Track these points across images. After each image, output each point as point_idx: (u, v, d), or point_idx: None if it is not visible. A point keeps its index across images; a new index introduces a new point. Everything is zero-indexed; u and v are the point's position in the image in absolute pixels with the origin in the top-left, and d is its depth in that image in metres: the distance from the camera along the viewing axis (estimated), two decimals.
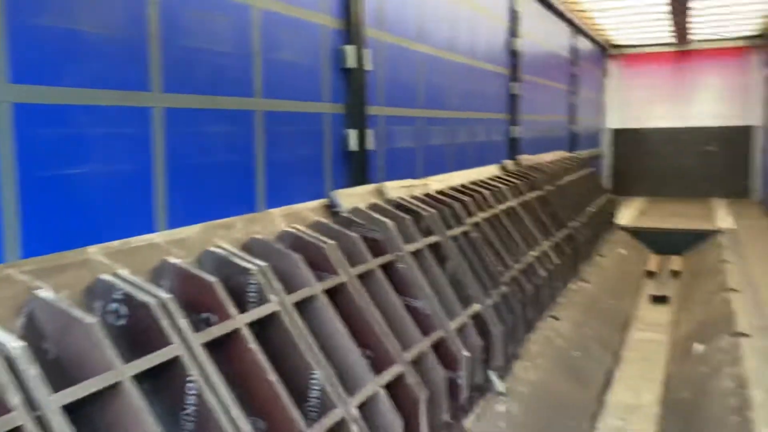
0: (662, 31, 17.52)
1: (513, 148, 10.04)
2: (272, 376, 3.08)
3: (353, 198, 5.07)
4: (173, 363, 2.74)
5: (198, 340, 2.88)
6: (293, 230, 4.20)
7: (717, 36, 18.06)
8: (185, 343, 2.81)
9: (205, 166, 3.87)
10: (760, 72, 17.80)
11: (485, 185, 7.61)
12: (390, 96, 6.00)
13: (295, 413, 3.06)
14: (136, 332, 2.78)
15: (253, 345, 3.11)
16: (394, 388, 3.85)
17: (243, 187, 4.19)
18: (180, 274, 3.18)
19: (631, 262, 11.75)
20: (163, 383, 2.75)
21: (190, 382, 2.74)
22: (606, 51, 19.40)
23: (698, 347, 7.04)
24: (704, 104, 18.82)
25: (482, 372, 5.11)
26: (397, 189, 5.73)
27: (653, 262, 12.08)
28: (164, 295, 2.87)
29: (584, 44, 16.36)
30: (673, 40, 18.31)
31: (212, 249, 3.56)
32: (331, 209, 4.91)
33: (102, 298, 2.87)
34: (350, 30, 5.16)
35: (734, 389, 5.46)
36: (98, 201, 3.32)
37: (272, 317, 3.38)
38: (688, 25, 16.42)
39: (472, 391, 4.92)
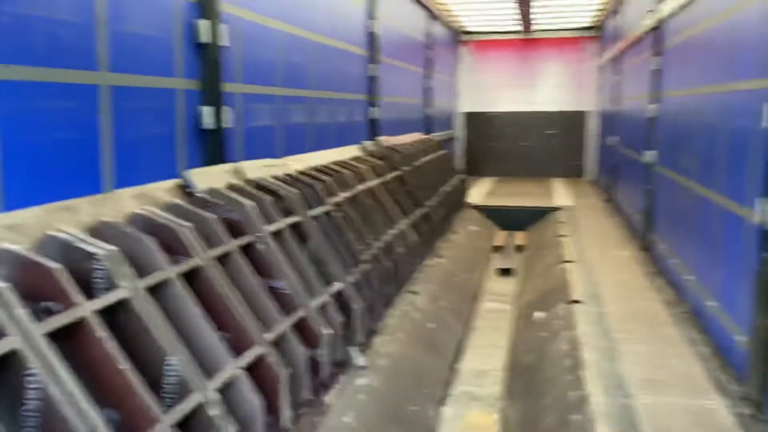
0: (509, 20, 18.65)
1: (372, 129, 10.24)
2: (124, 365, 2.95)
3: (209, 178, 4.93)
4: (11, 357, 2.54)
5: (39, 330, 2.68)
6: (145, 212, 4.01)
7: (557, 26, 19.55)
8: (24, 335, 2.61)
9: (43, 145, 3.57)
10: (593, 61, 19.54)
11: (346, 166, 7.71)
12: (248, 73, 5.86)
13: (150, 401, 2.97)
14: None
15: (101, 333, 2.95)
16: (255, 369, 3.85)
17: (87, 166, 3.92)
18: (18, 261, 2.93)
19: (481, 238, 12.52)
20: (2, 379, 2.54)
21: (30, 375, 2.56)
22: (458, 37, 20.26)
23: (539, 315, 7.70)
24: (546, 90, 20.33)
25: (343, 348, 5.24)
26: (256, 169, 5.65)
27: (500, 237, 12.97)
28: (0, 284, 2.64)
29: (439, 30, 16.96)
30: (519, 28, 19.57)
31: (54, 233, 3.30)
32: (186, 190, 4.74)
33: None
34: (204, 4, 4.96)
35: (569, 351, 6.05)
36: None
37: (123, 304, 3.22)
38: (531, 15, 17.60)
39: (333, 367, 5.03)
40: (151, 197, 4.31)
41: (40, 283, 2.90)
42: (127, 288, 3.25)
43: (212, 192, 4.73)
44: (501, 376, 6.61)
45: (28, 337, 2.62)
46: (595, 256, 9.44)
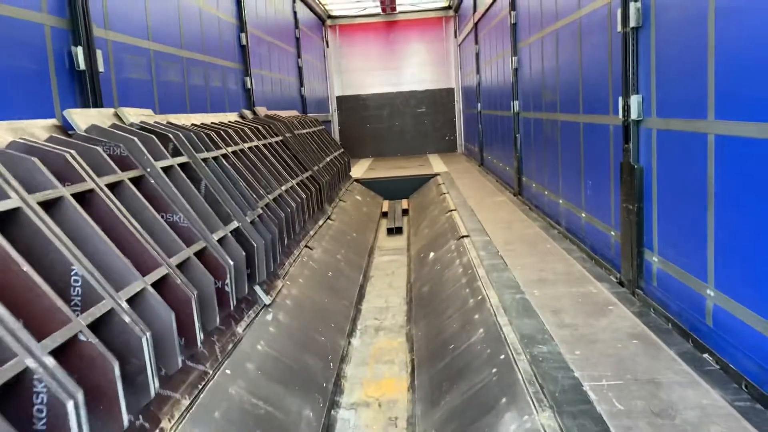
0: (372, 2, 19.14)
1: (249, 99, 10.13)
2: (26, 266, 2.80)
3: (90, 119, 4.69)
4: None
5: None
6: (25, 141, 3.78)
7: (416, 7, 20.31)
8: None
9: None
10: (453, 40, 20.51)
11: (228, 126, 7.60)
12: (119, 20, 5.63)
13: (59, 302, 2.83)
14: None
15: None
16: (163, 288, 3.76)
17: None
18: None
19: (368, 205, 12.78)
20: None
21: None
22: (325, 22, 20.44)
23: (431, 255, 8.05)
24: (413, 70, 21.05)
25: (248, 286, 5.21)
26: (137, 116, 5.45)
27: (386, 204, 13.31)
28: None
29: (305, 12, 17.03)
30: (381, 11, 20.11)
31: None
32: (66, 131, 4.50)
33: None
34: None
35: (463, 272, 6.41)
36: None
37: (16, 215, 3.04)
38: None
39: (240, 303, 4.99)
40: (27, 133, 4.06)
41: None
42: (18, 199, 3.07)
43: (94, 129, 4.52)
44: (402, 309, 6.85)
45: None
46: (476, 204, 9.99)
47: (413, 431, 4.13)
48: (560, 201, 7.58)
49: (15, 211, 3.04)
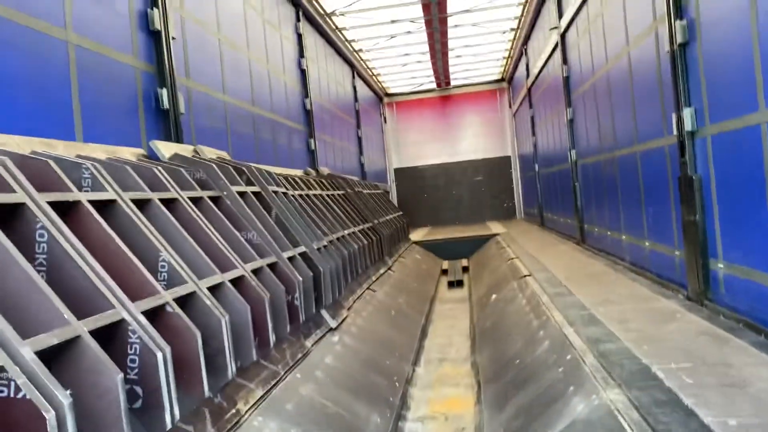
0: (427, 78, 20.01)
1: (312, 159, 10.68)
2: (123, 245, 3.11)
3: (172, 150, 5.16)
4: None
5: (43, 198, 2.85)
6: (118, 158, 4.21)
7: (471, 81, 21.06)
8: (29, 196, 2.77)
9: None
10: (508, 110, 21.02)
11: (294, 177, 8.05)
12: (197, 71, 6.23)
13: (150, 277, 3.11)
14: None
15: (99, 218, 3.12)
16: (239, 288, 4.00)
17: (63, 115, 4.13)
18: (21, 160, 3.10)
19: (427, 263, 12.90)
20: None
21: (41, 229, 2.70)
22: (382, 99, 21.41)
23: (494, 296, 8.05)
24: (468, 140, 21.55)
25: (315, 307, 5.40)
26: (213, 154, 5.92)
27: (445, 264, 13.39)
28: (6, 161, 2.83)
29: (364, 89, 17.96)
30: (435, 86, 20.95)
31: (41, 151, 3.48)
32: (150, 158, 4.95)
33: None
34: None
35: (526, 303, 6.40)
36: None
37: (113, 207, 3.40)
38: (447, 72, 18.99)
39: (307, 322, 5.17)
40: (119, 155, 4.52)
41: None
42: (113, 192, 3.43)
43: (177, 157, 4.96)
44: (466, 345, 6.84)
45: (33, 199, 2.78)
46: (536, 253, 9.97)
47: None
48: (623, 237, 7.55)
49: (112, 203, 3.40)
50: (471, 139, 21.57)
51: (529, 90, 15.44)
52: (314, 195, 7.80)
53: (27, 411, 2.00)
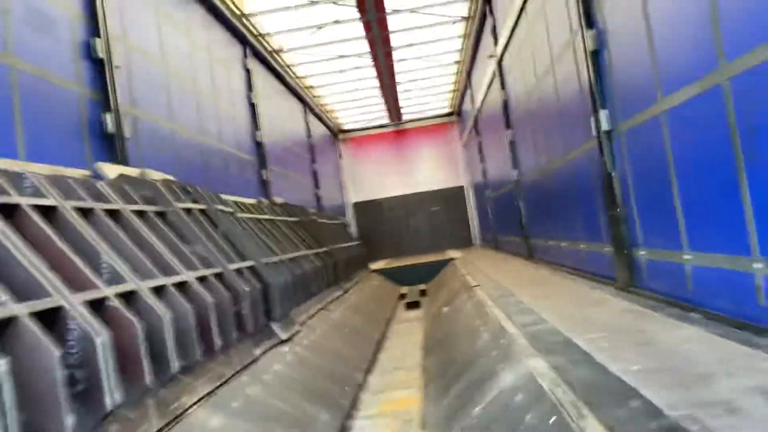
0: (380, 113, 20.53)
1: (265, 189, 10.86)
2: (63, 245, 3.25)
3: (117, 171, 5.30)
4: None
5: None
6: (63, 176, 4.35)
7: (423, 115, 21.67)
8: None
9: None
10: (458, 141, 21.63)
11: (245, 204, 8.21)
12: (143, 99, 6.42)
13: (92, 275, 3.25)
14: None
15: (40, 220, 3.26)
16: (184, 292, 4.13)
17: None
18: None
19: (386, 289, 13.08)
20: None
21: None
22: (337, 135, 21.81)
23: (445, 309, 8.26)
24: (424, 172, 22.03)
25: (265, 320, 5.52)
26: (160, 177, 6.07)
27: (404, 289, 13.59)
28: None
29: (317, 125, 18.32)
30: (389, 121, 21.49)
31: None
32: (95, 179, 5.09)
33: None
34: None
35: (473, 308, 6.64)
36: None
37: (56, 212, 3.54)
38: (398, 106, 19.55)
39: (256, 333, 5.29)
40: (63, 174, 4.65)
41: None
42: (55, 200, 3.58)
43: (122, 177, 5.11)
44: (418, 357, 7.00)
45: None
46: (488, 269, 10.27)
47: (424, 425, 4.26)
48: (562, 244, 7.90)
49: (54, 210, 3.54)
50: (427, 171, 22.07)
51: (476, 119, 16.01)
52: (265, 219, 7.97)
53: None
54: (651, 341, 3.34)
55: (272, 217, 8.41)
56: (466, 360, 4.76)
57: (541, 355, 3.48)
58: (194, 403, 3.56)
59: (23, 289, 2.82)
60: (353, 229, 21.58)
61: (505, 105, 10.74)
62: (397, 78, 16.41)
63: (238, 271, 5.31)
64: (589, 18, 5.35)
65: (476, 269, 10.88)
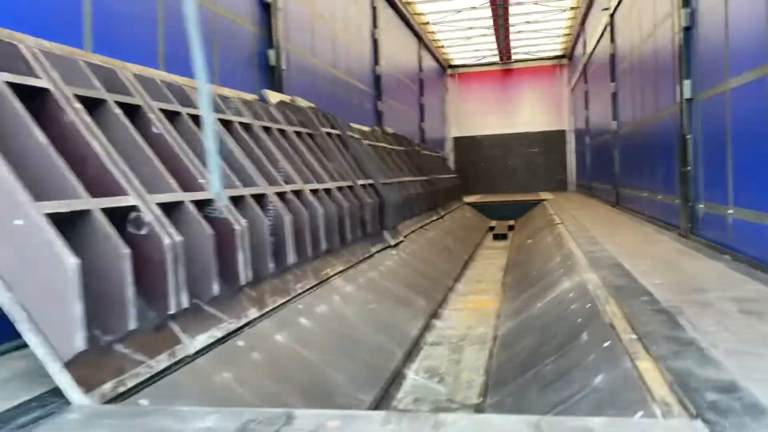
0: (490, 51, 21.06)
1: (379, 119, 12.14)
2: (259, 152, 4.65)
3: (277, 98, 6.71)
4: None
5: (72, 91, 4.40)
6: (244, 100, 5.78)
7: (532, 56, 21.96)
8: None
9: None
10: (566, 86, 21.84)
11: (364, 130, 9.54)
12: (296, 37, 7.74)
13: (277, 174, 4.66)
14: None
15: (126, 120, 4.67)
16: (330, 196, 5.52)
17: None
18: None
19: (477, 220, 14.26)
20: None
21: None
22: (446, 70, 22.58)
23: (529, 240, 9.38)
24: (526, 113, 22.51)
25: (378, 226, 6.90)
26: (306, 104, 7.45)
27: (494, 222, 14.70)
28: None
29: (429, 60, 19.21)
30: (498, 60, 21.97)
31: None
32: (262, 102, 6.52)
33: None
34: None
35: (553, 240, 7.73)
36: None
37: (250, 128, 4.94)
38: (509, 46, 20.01)
39: (373, 236, 6.68)
40: (242, 98, 6.08)
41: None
42: (233, 115, 4.98)
43: (281, 103, 6.51)
44: (500, 273, 8.23)
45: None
46: (575, 211, 11.19)
47: (497, 318, 5.53)
48: (644, 194, 8.72)
49: (250, 126, 4.95)
50: (529, 112, 22.51)
51: (585, 66, 16.36)
52: (380, 146, 9.28)
53: None
54: (679, 269, 4.39)
55: (385, 145, 9.71)
56: (539, 275, 5.94)
57: (594, 270, 4.61)
58: (334, 274, 4.99)
59: (243, 180, 4.22)
60: (451, 163, 22.63)
61: (612, 58, 11.29)
62: (511, 20, 16.91)
63: (363, 186, 6.67)
64: None
65: (564, 210, 11.80)
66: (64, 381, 2.17)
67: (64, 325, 2.20)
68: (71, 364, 2.21)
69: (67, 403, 2.16)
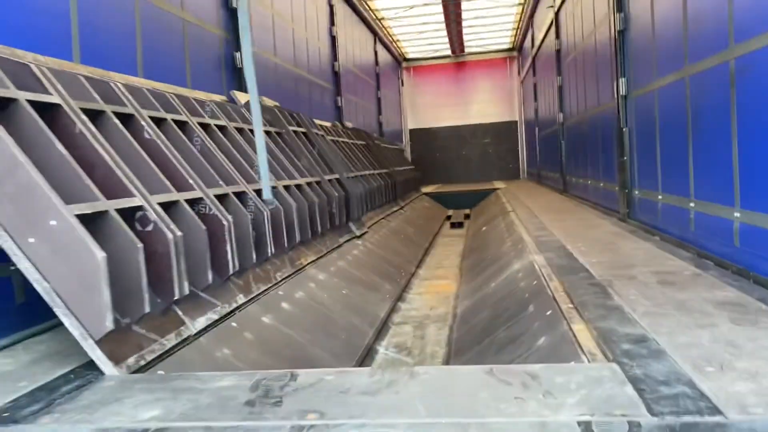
0: (443, 45, 21.64)
1: (339, 114, 12.55)
2: (236, 153, 5.04)
3: (245, 98, 7.07)
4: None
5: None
6: (218, 102, 6.14)
7: (483, 49, 22.65)
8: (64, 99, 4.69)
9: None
10: (516, 78, 22.63)
11: (326, 126, 9.95)
12: (259, 39, 8.08)
13: (253, 172, 5.06)
14: None
15: (123, 128, 5.05)
16: (300, 191, 5.94)
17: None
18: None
19: (435, 209, 14.84)
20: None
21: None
22: (401, 64, 23.07)
23: (484, 228, 9.99)
24: (479, 105, 23.23)
25: (345, 218, 7.36)
26: (271, 103, 7.83)
27: (451, 211, 15.32)
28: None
29: (384, 54, 19.66)
30: (451, 53, 22.59)
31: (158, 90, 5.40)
32: (230, 102, 6.87)
33: None
34: None
35: (505, 228, 8.33)
36: None
37: (225, 130, 5.32)
38: (461, 40, 20.61)
39: (339, 228, 7.13)
40: (213, 99, 6.44)
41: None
42: (214, 119, 5.36)
43: (248, 103, 6.87)
44: (458, 260, 8.80)
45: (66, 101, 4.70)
46: (525, 199, 11.86)
47: (456, 299, 6.07)
48: (589, 182, 9.41)
49: (225, 128, 5.33)
50: (482, 104, 23.24)
51: (533, 59, 17.09)
52: (342, 141, 9.71)
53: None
54: (614, 249, 4.99)
55: (346, 140, 10.14)
56: (493, 259, 6.51)
57: (541, 252, 5.18)
58: (308, 264, 5.43)
59: (224, 180, 4.61)
60: (408, 155, 23.19)
61: (558, 53, 11.97)
62: (463, 14, 17.49)
63: (329, 181, 7.11)
64: (619, 1, 6.68)
65: (515, 198, 12.47)
66: (98, 356, 2.57)
67: (95, 309, 2.60)
68: (101, 342, 2.61)
69: (101, 374, 2.56)
